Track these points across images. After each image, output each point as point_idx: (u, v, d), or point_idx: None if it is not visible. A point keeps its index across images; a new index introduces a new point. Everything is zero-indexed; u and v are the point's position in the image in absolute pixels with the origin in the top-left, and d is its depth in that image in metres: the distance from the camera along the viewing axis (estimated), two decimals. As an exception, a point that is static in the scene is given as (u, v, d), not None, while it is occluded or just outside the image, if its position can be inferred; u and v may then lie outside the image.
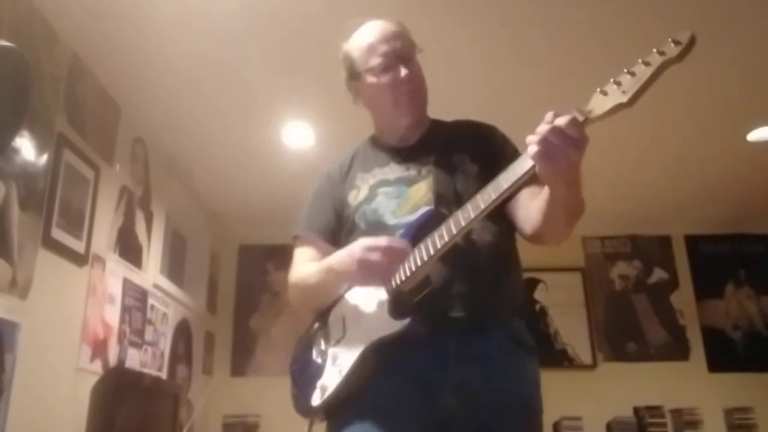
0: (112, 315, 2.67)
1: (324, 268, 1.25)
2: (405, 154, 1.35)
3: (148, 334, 3.06)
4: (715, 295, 4.45)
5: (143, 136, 3.06)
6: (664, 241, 4.58)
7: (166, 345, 3.33)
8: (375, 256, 1.11)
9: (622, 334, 4.35)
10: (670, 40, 0.88)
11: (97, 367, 2.48)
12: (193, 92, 2.80)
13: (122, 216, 2.82)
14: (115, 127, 2.78)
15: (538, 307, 4.42)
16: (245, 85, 2.76)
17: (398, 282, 1.14)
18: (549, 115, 0.95)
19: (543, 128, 0.94)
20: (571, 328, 4.34)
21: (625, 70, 0.90)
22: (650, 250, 4.58)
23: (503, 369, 1.16)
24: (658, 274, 4.52)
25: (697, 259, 4.53)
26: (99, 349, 2.51)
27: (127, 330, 2.81)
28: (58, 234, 2.23)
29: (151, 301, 3.11)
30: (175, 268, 3.85)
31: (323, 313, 1.31)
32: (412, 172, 1.30)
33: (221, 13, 2.29)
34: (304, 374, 1.28)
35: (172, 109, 2.94)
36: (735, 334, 4.37)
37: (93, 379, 2.37)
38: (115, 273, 2.71)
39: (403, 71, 1.30)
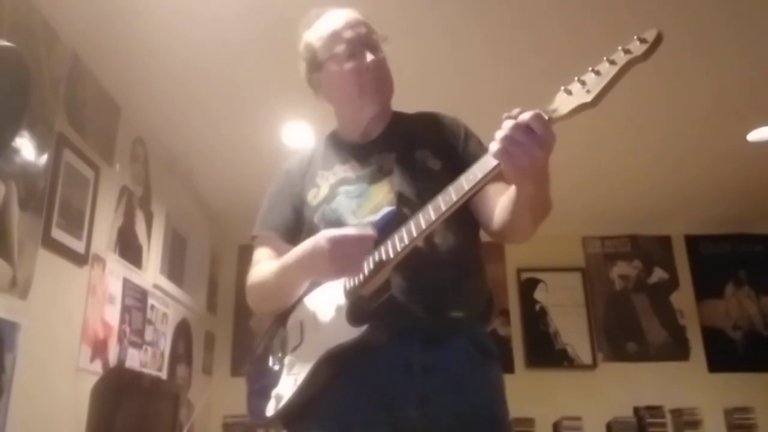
0: (112, 315, 2.67)
1: (283, 266, 1.18)
2: (367, 150, 1.29)
3: (148, 334, 3.06)
4: (715, 295, 4.45)
5: (143, 136, 3.06)
6: (664, 241, 4.58)
7: (166, 345, 3.33)
8: (348, 247, 1.05)
9: (622, 334, 4.35)
10: (635, 37, 0.85)
11: (97, 367, 2.48)
12: (193, 92, 2.80)
13: (122, 216, 2.82)
14: (115, 127, 2.78)
15: (538, 307, 4.42)
16: (245, 84, 2.76)
17: (357, 285, 1.09)
18: (514, 111, 0.92)
19: (507, 124, 0.91)
20: (571, 328, 4.34)
21: (590, 69, 0.88)
22: (650, 250, 4.57)
23: (469, 380, 1.11)
24: (658, 274, 4.52)
25: (697, 259, 4.53)
26: (99, 349, 2.51)
27: (127, 330, 2.81)
28: (58, 234, 2.23)
29: (151, 301, 3.11)
30: (175, 268, 3.85)
31: (282, 317, 1.25)
32: (374, 169, 1.25)
33: (221, 13, 2.29)
34: (260, 382, 1.22)
35: (172, 109, 2.93)
36: (735, 334, 4.37)
37: (93, 379, 2.37)
38: (115, 273, 2.70)
39: (369, 56, 1.25)
